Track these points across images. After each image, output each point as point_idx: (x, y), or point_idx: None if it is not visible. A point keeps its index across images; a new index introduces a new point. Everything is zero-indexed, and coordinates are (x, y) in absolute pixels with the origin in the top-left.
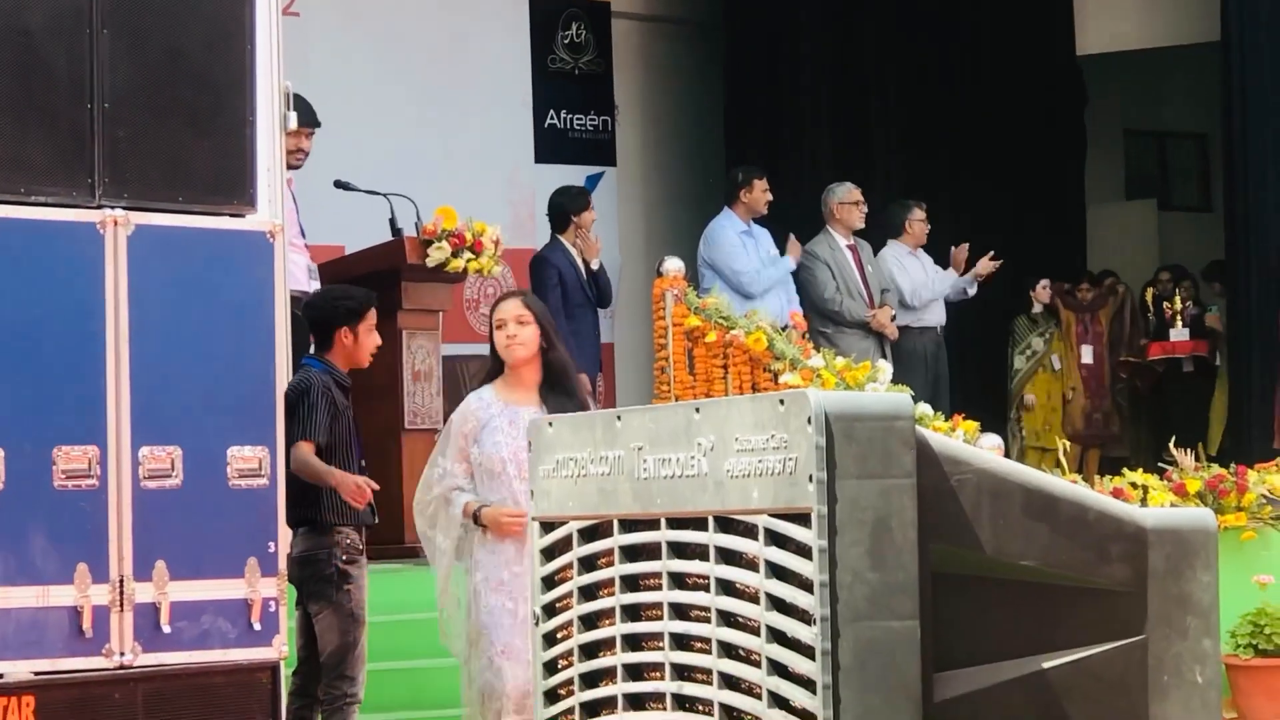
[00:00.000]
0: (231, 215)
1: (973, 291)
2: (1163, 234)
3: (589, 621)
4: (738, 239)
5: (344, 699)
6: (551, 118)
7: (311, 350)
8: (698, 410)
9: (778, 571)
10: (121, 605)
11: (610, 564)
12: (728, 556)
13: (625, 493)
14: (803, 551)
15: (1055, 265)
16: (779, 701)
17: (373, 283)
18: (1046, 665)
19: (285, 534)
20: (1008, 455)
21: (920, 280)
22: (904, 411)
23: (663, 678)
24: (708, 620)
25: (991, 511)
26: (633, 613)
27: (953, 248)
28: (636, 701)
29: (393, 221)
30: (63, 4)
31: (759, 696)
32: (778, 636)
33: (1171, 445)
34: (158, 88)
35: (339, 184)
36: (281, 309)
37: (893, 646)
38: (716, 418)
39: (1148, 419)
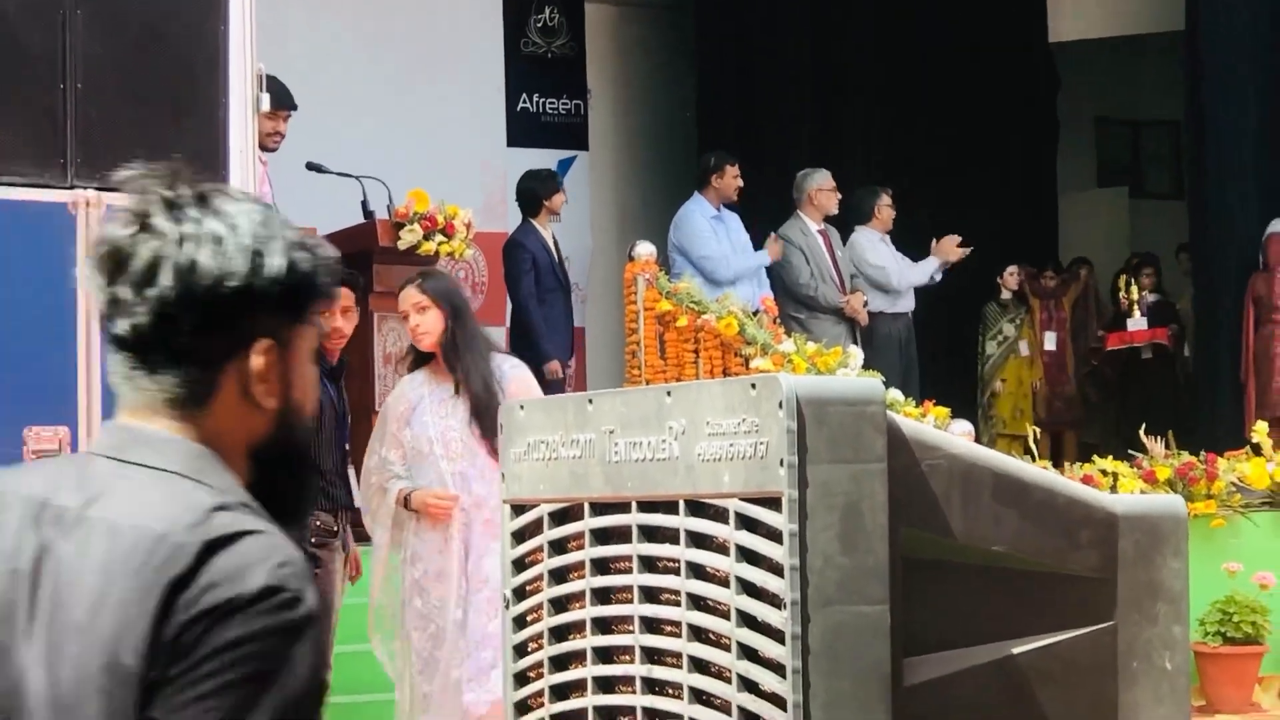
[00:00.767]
0: None
1: (939, 278)
2: (1135, 221)
3: (559, 604)
4: (707, 224)
5: None
6: (524, 101)
7: None
8: (669, 394)
9: (748, 555)
10: None
11: (581, 547)
12: (698, 540)
13: (596, 476)
14: (773, 536)
15: (1027, 252)
16: (749, 685)
17: (345, 265)
18: (1016, 650)
19: None
20: (978, 441)
21: (896, 266)
22: (875, 397)
23: (633, 661)
24: (678, 604)
25: (962, 497)
26: (603, 596)
27: (934, 241)
28: (606, 684)
29: (365, 204)
30: None
31: (729, 680)
32: (748, 620)
33: (1141, 433)
34: (131, 69)
35: (311, 166)
36: None
37: (863, 631)
38: (688, 401)
39: (1116, 406)
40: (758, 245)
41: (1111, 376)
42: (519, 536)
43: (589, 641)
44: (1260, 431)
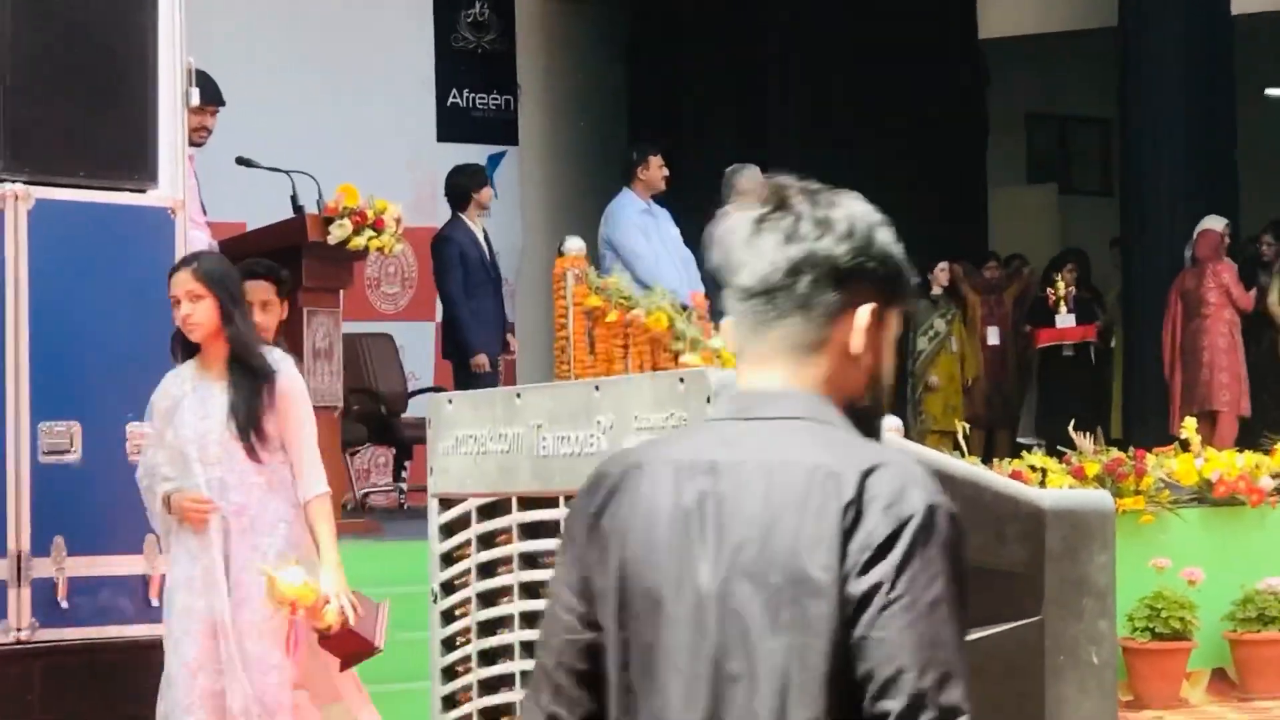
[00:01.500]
0: (133, 191)
1: None
2: (1064, 218)
3: (487, 599)
4: (638, 219)
5: None
6: (454, 96)
7: None
8: (597, 388)
9: None
10: (19, 580)
11: (509, 541)
12: None
13: (524, 470)
14: None
15: (957, 248)
16: None
17: (274, 260)
18: None
19: None
20: (908, 437)
21: None
22: None
23: None
24: None
25: None
26: (531, 590)
27: None
28: None
29: (294, 199)
30: None
31: None
32: None
33: (1070, 429)
34: (60, 63)
35: (241, 160)
36: None
37: None
38: (616, 396)
39: (1044, 403)
40: (688, 239)
41: (1041, 374)
42: (447, 530)
43: (517, 635)
44: (1189, 428)
